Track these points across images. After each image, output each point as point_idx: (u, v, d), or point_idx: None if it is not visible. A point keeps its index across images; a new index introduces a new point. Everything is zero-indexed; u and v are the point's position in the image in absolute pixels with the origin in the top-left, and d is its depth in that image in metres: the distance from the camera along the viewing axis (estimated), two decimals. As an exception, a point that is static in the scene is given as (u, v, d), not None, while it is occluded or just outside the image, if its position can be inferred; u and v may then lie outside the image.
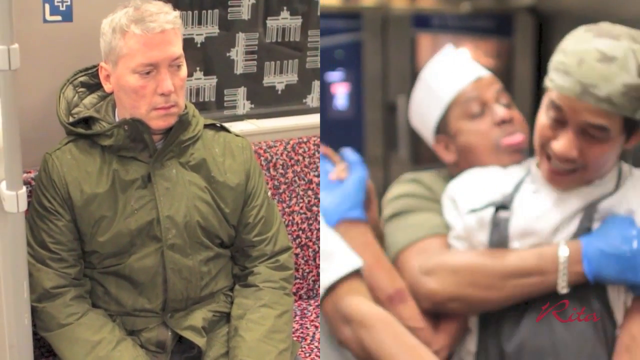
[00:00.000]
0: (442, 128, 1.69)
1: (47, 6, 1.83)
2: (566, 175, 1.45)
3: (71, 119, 1.71)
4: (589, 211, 1.44)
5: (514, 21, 2.58)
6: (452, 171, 1.70)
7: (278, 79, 2.36)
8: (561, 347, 1.40)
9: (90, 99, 1.75)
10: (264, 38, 2.30)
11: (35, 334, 1.68)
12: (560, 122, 1.41)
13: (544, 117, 1.45)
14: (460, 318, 1.53)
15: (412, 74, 2.71)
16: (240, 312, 1.77)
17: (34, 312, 1.65)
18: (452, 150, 1.69)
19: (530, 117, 1.62)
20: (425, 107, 1.72)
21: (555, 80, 1.40)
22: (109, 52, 1.63)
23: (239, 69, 2.28)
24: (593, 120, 1.36)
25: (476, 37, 2.57)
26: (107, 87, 1.68)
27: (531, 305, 1.44)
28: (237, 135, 1.84)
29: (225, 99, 2.29)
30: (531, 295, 1.42)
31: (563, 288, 1.39)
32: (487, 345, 1.49)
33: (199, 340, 1.74)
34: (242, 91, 2.31)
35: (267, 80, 2.34)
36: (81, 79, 1.76)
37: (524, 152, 1.64)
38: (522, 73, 2.57)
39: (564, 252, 1.39)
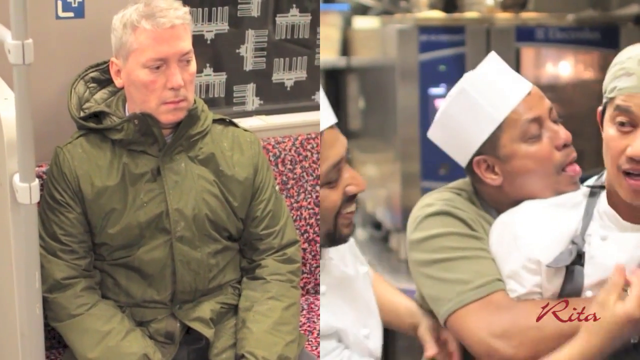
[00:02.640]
0: (487, 149, 1.51)
1: (59, 3, 1.86)
2: None
3: (82, 114, 1.74)
4: None
5: (620, 32, 2.52)
6: (487, 193, 1.54)
7: (287, 76, 2.38)
8: None
9: (101, 94, 1.78)
10: (274, 35, 2.32)
11: (46, 325, 1.70)
12: (630, 126, 1.35)
13: (611, 130, 1.38)
14: None
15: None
16: (247, 304, 1.79)
17: (45, 302, 1.68)
18: (498, 173, 1.51)
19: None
20: (469, 125, 1.52)
21: (619, 85, 1.36)
22: (119, 48, 1.66)
23: (248, 66, 2.30)
24: None
25: (581, 49, 2.52)
26: (118, 82, 1.71)
27: None
28: (245, 130, 1.86)
29: (235, 95, 2.31)
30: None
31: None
32: None
33: (207, 332, 1.76)
34: (251, 87, 2.34)
35: (276, 76, 2.36)
36: (92, 74, 1.79)
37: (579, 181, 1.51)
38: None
39: None
